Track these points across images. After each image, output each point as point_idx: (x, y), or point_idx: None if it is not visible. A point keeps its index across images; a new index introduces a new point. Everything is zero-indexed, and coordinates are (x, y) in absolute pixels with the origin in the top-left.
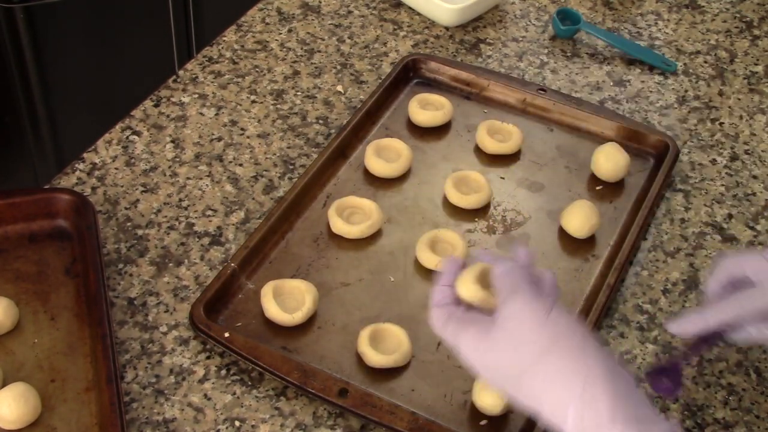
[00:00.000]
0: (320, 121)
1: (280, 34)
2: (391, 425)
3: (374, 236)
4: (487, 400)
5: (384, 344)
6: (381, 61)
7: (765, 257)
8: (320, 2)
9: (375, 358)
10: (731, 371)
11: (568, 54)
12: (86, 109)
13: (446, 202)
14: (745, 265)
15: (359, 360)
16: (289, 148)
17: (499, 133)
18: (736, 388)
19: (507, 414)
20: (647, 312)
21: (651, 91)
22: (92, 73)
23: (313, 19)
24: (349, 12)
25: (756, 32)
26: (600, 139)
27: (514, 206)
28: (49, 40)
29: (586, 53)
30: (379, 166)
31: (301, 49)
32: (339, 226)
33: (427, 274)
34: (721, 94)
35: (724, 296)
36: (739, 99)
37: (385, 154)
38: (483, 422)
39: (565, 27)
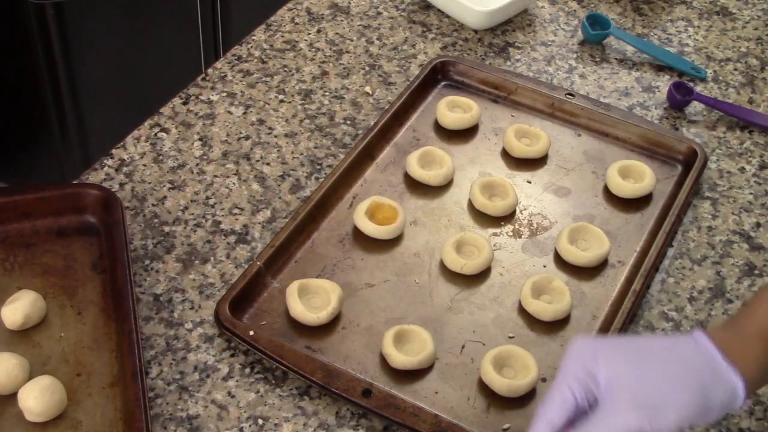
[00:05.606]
0: (348, 122)
1: (309, 34)
2: (413, 427)
3: (400, 238)
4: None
5: (408, 346)
6: (409, 63)
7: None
8: (349, 3)
9: (399, 360)
10: None
11: (597, 59)
12: (112, 106)
13: (472, 206)
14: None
15: (383, 361)
16: (316, 148)
17: (526, 137)
18: (762, 398)
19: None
20: (673, 319)
21: None
22: (119, 69)
23: (342, 20)
24: (378, 13)
25: None
26: (628, 146)
27: (540, 210)
28: (78, 36)
29: (615, 59)
30: (422, 173)
31: (330, 49)
32: (365, 227)
33: (453, 276)
34: (750, 101)
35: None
36: None
37: (428, 161)
38: (506, 426)
39: (594, 32)
